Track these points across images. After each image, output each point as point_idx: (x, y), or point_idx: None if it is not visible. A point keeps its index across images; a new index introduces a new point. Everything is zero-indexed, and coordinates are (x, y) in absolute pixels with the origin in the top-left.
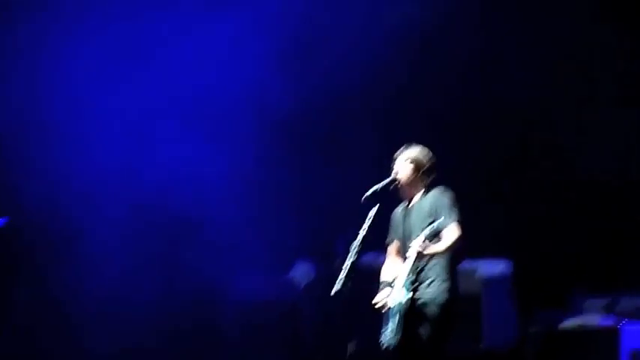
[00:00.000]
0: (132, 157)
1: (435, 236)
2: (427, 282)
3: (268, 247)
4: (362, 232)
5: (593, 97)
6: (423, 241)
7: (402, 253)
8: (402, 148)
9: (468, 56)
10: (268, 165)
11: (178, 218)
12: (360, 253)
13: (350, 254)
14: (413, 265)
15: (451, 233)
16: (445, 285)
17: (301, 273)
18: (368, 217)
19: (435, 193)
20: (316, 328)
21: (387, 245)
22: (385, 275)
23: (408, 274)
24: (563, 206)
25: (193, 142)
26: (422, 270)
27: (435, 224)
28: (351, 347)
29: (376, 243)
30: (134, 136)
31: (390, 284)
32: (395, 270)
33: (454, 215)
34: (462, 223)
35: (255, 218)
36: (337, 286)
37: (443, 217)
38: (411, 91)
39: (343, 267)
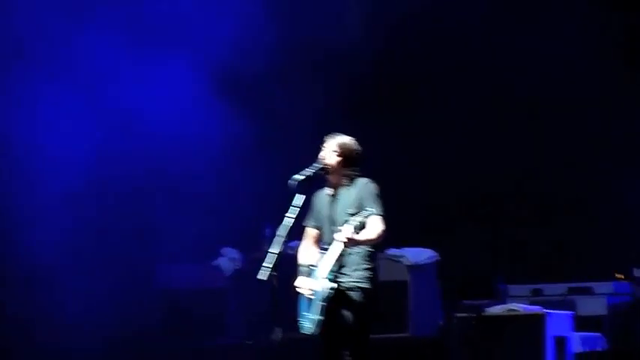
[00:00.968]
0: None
1: (360, 228)
2: (349, 270)
3: (194, 235)
4: (288, 219)
5: None
6: (351, 234)
7: (322, 239)
8: (329, 137)
9: None
10: (195, 153)
11: (106, 207)
12: (286, 240)
13: (276, 241)
14: (337, 255)
15: (375, 225)
16: (367, 273)
17: (228, 260)
18: (294, 204)
19: (360, 184)
20: (242, 315)
21: (305, 227)
22: (303, 259)
23: (333, 264)
24: (488, 196)
25: (114, 136)
26: (344, 258)
27: (361, 216)
28: (277, 334)
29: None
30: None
31: (309, 269)
32: (313, 254)
33: (379, 208)
34: (386, 216)
35: (182, 206)
36: (263, 273)
37: (368, 209)
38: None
39: (269, 254)
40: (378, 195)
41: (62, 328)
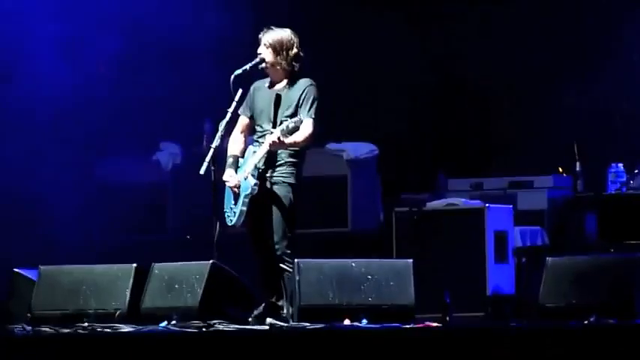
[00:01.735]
0: None
1: (291, 132)
2: (275, 166)
3: (135, 129)
4: (229, 113)
5: None
6: (279, 137)
7: (253, 130)
8: (263, 31)
9: None
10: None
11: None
12: (225, 133)
13: (216, 135)
14: (264, 154)
15: (305, 129)
16: (291, 168)
17: (168, 154)
18: (234, 98)
19: (302, 85)
20: (183, 210)
21: (239, 115)
22: (231, 149)
23: (258, 161)
24: (422, 91)
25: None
26: (270, 156)
27: (293, 121)
28: (217, 228)
29: None
30: None
31: (237, 159)
32: (241, 144)
33: (313, 112)
34: (317, 119)
35: (121, 101)
36: (204, 167)
37: (301, 114)
38: None
39: (211, 147)
40: (315, 98)
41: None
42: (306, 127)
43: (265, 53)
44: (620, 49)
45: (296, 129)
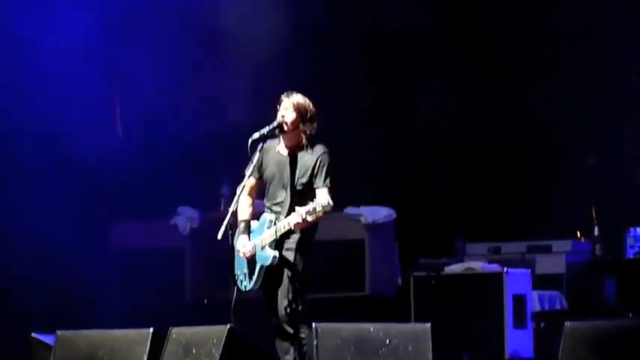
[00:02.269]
0: None
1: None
2: (288, 231)
3: (152, 193)
4: (246, 177)
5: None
6: (303, 219)
7: (268, 196)
8: (285, 94)
9: None
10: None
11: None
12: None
13: (234, 198)
14: (284, 230)
15: (324, 198)
16: (305, 235)
17: (185, 219)
18: (251, 161)
19: (317, 151)
20: (201, 274)
21: (246, 176)
22: (241, 214)
23: (276, 237)
24: (447, 154)
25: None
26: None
27: (320, 205)
28: (234, 292)
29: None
30: None
31: (248, 224)
32: (250, 207)
33: (329, 181)
34: (333, 188)
35: (140, 165)
36: (222, 232)
37: (317, 183)
38: None
39: (228, 212)
40: (330, 165)
41: (18, 292)
42: (324, 199)
43: (289, 116)
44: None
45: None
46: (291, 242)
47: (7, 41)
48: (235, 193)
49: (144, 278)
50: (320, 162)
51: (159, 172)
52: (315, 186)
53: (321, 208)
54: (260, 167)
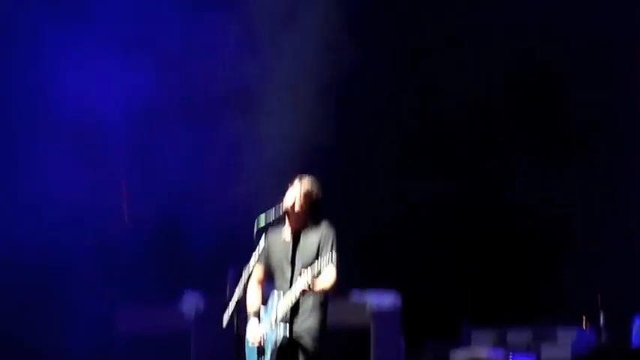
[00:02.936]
0: None
1: (317, 276)
2: (302, 317)
3: (157, 279)
4: (251, 264)
5: None
6: (309, 284)
7: (276, 281)
8: (296, 179)
9: None
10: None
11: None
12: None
13: (239, 285)
14: (293, 302)
15: (331, 275)
16: (318, 319)
17: (191, 303)
18: (257, 248)
19: (323, 230)
20: (205, 359)
21: (254, 266)
22: (251, 305)
23: (286, 313)
24: (452, 240)
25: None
26: (296, 304)
27: (320, 265)
28: None
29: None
30: None
31: (258, 314)
32: (259, 297)
33: (334, 257)
34: (338, 265)
35: (144, 250)
36: (227, 319)
37: (327, 259)
38: None
39: (233, 298)
40: (334, 242)
41: None
42: (331, 274)
43: (298, 205)
44: None
45: (320, 273)
46: (304, 327)
47: None
48: (241, 279)
49: None
50: (325, 238)
51: (165, 257)
52: (323, 259)
53: (322, 267)
54: (267, 255)
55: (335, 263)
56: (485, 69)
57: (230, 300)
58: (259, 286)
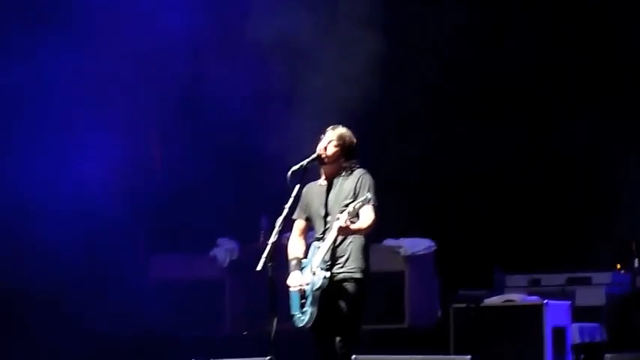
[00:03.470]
0: None
1: (355, 215)
2: (342, 260)
3: (191, 225)
4: (285, 209)
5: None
6: (346, 222)
7: (315, 230)
8: (329, 127)
9: None
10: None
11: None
12: (282, 229)
13: (274, 230)
14: (332, 244)
15: (368, 215)
16: (360, 263)
17: (225, 250)
18: (291, 194)
19: (357, 174)
20: (241, 306)
21: (295, 220)
22: (293, 252)
23: (325, 254)
24: (484, 187)
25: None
26: (336, 249)
27: (356, 203)
28: (274, 324)
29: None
30: None
31: (300, 261)
32: (302, 247)
33: (373, 199)
34: (378, 206)
35: (178, 196)
36: (261, 263)
37: (363, 199)
38: None
39: (268, 244)
40: (372, 185)
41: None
42: (369, 213)
43: (330, 149)
44: None
45: (358, 212)
46: (346, 272)
47: None
48: (274, 225)
49: (184, 310)
50: (361, 182)
51: (199, 204)
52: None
53: (359, 205)
54: (306, 208)
55: (373, 204)
56: None
57: (264, 246)
58: (301, 238)
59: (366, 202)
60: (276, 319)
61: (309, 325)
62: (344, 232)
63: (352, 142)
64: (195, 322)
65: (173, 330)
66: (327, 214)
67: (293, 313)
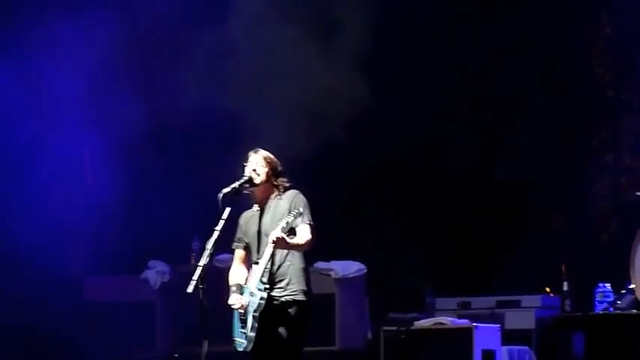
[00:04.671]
0: None
1: (289, 230)
2: (284, 283)
3: (123, 247)
4: (216, 231)
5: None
6: (281, 236)
7: (253, 256)
8: (252, 151)
9: None
10: (123, 164)
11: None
12: (213, 252)
13: (204, 253)
14: (268, 261)
15: (305, 233)
16: (302, 285)
17: (156, 273)
18: (222, 216)
19: (290, 195)
20: (171, 329)
21: (234, 249)
22: (234, 279)
23: (263, 273)
24: (415, 210)
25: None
26: (277, 270)
27: (290, 219)
28: (205, 347)
29: (230, 241)
30: None
31: (241, 287)
32: (242, 274)
33: (307, 218)
34: (314, 227)
35: (110, 218)
36: (192, 286)
37: (297, 217)
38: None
39: (198, 266)
40: (307, 206)
41: None
42: (305, 231)
43: (261, 170)
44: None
45: (293, 230)
46: (287, 294)
47: None
48: (205, 248)
49: (115, 332)
50: (295, 202)
51: (130, 227)
52: (294, 225)
53: (292, 218)
54: (243, 235)
55: (309, 223)
56: None
57: (195, 268)
58: (243, 266)
59: (298, 215)
60: (206, 342)
61: (249, 349)
62: (280, 244)
63: (277, 161)
64: (127, 345)
65: (105, 353)
66: (262, 236)
67: (234, 337)
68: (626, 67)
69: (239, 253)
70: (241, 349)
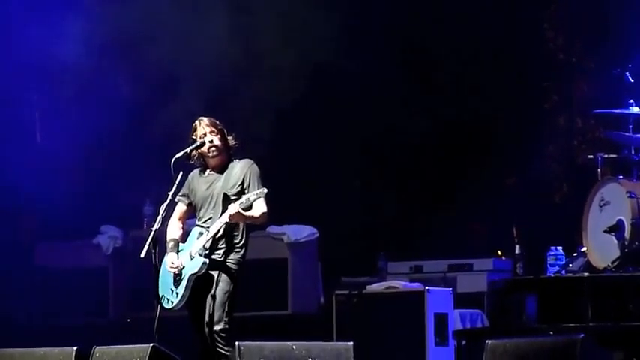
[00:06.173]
0: None
1: (247, 207)
2: (221, 247)
3: (75, 212)
4: (169, 196)
5: None
6: (239, 211)
7: (198, 217)
8: (199, 119)
9: None
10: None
11: None
12: (165, 217)
13: (157, 217)
14: (217, 232)
15: (261, 206)
16: (237, 254)
17: (108, 238)
18: (175, 181)
19: (243, 164)
20: (124, 293)
21: (177, 202)
22: (171, 234)
23: (208, 241)
24: (367, 173)
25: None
26: (218, 239)
27: (250, 195)
28: (157, 311)
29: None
30: None
31: (177, 244)
32: (180, 229)
33: (264, 191)
34: (267, 197)
35: (63, 184)
36: (145, 250)
37: (257, 193)
38: None
39: (151, 230)
40: (259, 176)
41: None
42: (261, 205)
43: (214, 138)
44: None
45: (251, 206)
46: (222, 260)
47: None
48: (158, 212)
49: (67, 297)
50: (250, 173)
51: (82, 192)
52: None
53: (254, 197)
54: (190, 194)
55: (264, 197)
56: None
57: (148, 233)
58: (181, 222)
59: (262, 195)
60: (159, 306)
61: (177, 307)
62: (236, 218)
63: (221, 125)
64: (79, 309)
65: (57, 317)
66: (210, 201)
67: (162, 294)
68: (577, 31)
69: (180, 208)
70: (169, 307)
